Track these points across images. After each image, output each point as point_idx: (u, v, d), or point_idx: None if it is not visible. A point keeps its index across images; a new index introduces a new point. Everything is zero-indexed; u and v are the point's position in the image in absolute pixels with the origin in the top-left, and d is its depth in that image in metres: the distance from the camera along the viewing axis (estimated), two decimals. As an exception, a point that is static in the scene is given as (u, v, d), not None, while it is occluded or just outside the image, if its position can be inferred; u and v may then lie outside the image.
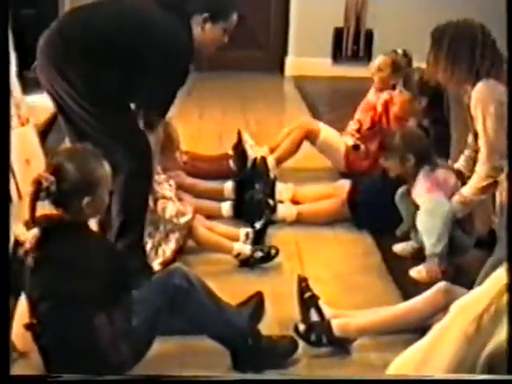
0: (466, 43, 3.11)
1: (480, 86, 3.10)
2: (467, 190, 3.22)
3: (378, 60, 4.32)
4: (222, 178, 4.07)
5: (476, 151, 3.33)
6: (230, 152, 4.30)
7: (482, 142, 3.14)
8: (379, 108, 4.24)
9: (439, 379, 2.03)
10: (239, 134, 4.34)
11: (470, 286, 2.88)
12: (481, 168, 3.16)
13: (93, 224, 2.65)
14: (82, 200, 2.19)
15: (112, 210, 2.87)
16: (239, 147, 4.27)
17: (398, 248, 3.48)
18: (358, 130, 4.35)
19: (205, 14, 2.91)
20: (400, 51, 4.27)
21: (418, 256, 3.33)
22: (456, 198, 3.24)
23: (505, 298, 1.99)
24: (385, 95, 4.25)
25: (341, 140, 4.37)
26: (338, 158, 4.37)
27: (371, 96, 4.43)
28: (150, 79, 2.80)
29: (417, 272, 3.23)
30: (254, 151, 4.14)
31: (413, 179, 3.35)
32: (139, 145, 2.85)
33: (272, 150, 4.34)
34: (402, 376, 2.11)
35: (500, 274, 2.09)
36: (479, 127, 3.14)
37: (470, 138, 3.46)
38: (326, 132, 4.41)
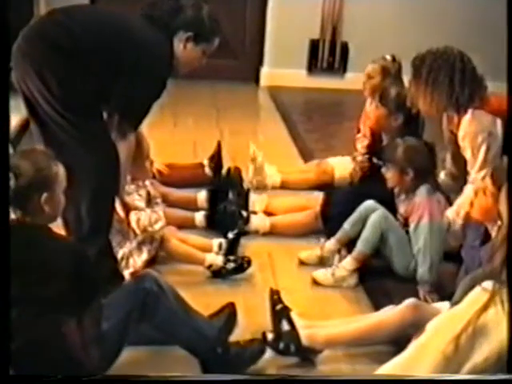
0: (444, 71, 3.14)
1: (467, 117, 3.13)
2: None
3: (368, 68, 4.15)
4: (197, 185, 4.05)
5: (452, 173, 3.36)
6: (205, 162, 4.29)
7: (472, 170, 3.17)
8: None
9: (438, 379, 2.02)
10: (219, 145, 4.34)
11: (441, 299, 2.91)
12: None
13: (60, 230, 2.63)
14: (40, 196, 2.18)
15: (77, 216, 2.84)
16: (216, 159, 4.27)
17: (304, 255, 3.50)
18: (368, 146, 4.18)
19: (189, 32, 2.92)
20: (389, 57, 4.12)
21: (322, 263, 3.41)
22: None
23: (482, 319, 2.00)
24: None
25: (350, 167, 4.24)
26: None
27: (368, 106, 4.25)
28: (126, 87, 2.77)
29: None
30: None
31: (411, 195, 3.34)
32: (108, 154, 2.82)
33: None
34: (400, 376, 2.10)
35: (477, 294, 2.09)
36: (468, 157, 3.17)
37: (448, 159, 3.48)
38: (339, 168, 4.32)
